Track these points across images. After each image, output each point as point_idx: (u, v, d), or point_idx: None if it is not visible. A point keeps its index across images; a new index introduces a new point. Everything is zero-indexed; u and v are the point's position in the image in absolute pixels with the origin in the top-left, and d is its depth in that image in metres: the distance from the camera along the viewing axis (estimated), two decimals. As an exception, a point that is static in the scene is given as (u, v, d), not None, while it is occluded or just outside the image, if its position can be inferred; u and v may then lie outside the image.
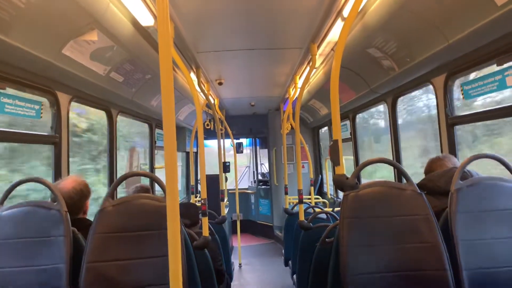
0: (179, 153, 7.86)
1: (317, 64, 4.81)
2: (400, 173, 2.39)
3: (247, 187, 10.96)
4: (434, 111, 3.38)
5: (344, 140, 5.99)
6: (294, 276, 4.34)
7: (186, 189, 8.26)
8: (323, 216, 4.17)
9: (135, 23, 2.99)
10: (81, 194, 2.46)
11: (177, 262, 1.25)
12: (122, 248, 2.00)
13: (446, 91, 3.16)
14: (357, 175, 2.19)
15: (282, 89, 6.54)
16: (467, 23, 2.26)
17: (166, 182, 1.29)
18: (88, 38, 2.57)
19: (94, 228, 2.02)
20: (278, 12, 3.16)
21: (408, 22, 2.65)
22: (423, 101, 4.44)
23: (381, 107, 5.03)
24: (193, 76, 4.76)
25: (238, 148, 9.51)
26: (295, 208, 5.45)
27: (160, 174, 5.60)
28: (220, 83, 5.58)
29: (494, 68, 2.59)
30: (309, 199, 6.23)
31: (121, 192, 4.67)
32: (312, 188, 6.32)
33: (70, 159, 3.20)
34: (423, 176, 2.59)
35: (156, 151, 5.75)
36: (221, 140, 5.20)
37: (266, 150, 10.31)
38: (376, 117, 6.06)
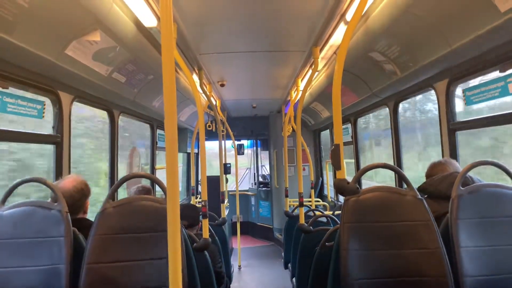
0: (180, 154, 7.86)
1: (319, 67, 4.81)
2: (400, 178, 2.38)
3: (247, 189, 10.96)
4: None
5: (345, 144, 5.98)
6: (294, 279, 4.33)
7: (187, 190, 8.25)
8: (323, 219, 4.17)
9: (138, 24, 2.99)
10: (82, 193, 2.47)
11: (177, 264, 1.25)
12: (122, 250, 2.00)
13: (448, 97, 3.16)
14: (358, 180, 2.19)
15: (284, 92, 6.55)
16: (470, 29, 2.26)
17: (167, 184, 1.29)
18: (91, 39, 2.57)
19: (95, 229, 2.02)
20: (281, 15, 3.16)
21: (411, 27, 2.65)
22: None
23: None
24: (195, 77, 4.77)
25: (239, 150, 9.51)
26: (296, 210, 5.44)
27: (161, 175, 5.60)
28: (222, 85, 5.59)
29: (497, 74, 2.59)
30: (310, 201, 6.22)
31: (120, 191, 4.67)
32: (313, 190, 6.32)
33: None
34: None
35: (157, 152, 5.75)
36: (222, 142, 5.19)
37: (267, 152, 10.31)
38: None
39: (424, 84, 3.43)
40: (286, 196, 5.83)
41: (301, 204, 3.93)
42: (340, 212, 2.22)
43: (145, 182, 4.62)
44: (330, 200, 7.61)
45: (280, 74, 5.32)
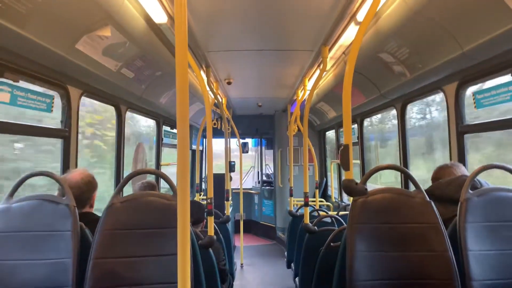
0: None
1: (328, 67, 4.80)
2: (407, 180, 2.37)
3: (251, 187, 10.96)
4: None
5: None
6: (297, 279, 4.33)
7: (191, 187, 8.27)
8: (327, 219, 4.16)
9: (148, 20, 3.00)
10: (90, 185, 2.49)
11: (186, 261, 1.25)
12: (129, 245, 2.01)
13: (458, 99, 3.14)
14: (366, 181, 2.19)
15: (290, 91, 6.54)
16: (483, 32, 2.25)
17: (177, 181, 1.29)
18: (101, 34, 2.58)
19: (102, 224, 2.03)
20: (290, 14, 3.15)
21: (422, 28, 2.63)
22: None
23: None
24: (203, 74, 4.77)
25: (244, 148, 9.52)
26: (300, 210, 5.44)
27: (166, 171, 5.61)
28: (229, 83, 5.59)
29: (508, 78, 2.57)
30: (314, 201, 6.21)
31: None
32: (317, 191, 6.31)
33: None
34: None
35: (162, 148, 5.76)
36: (228, 140, 5.20)
37: (271, 151, 10.31)
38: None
39: (433, 86, 3.41)
40: (291, 195, 5.83)
41: (306, 204, 3.93)
42: (344, 212, 2.22)
43: (149, 178, 4.63)
44: (334, 200, 7.60)
45: (287, 73, 5.31)
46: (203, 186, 8.77)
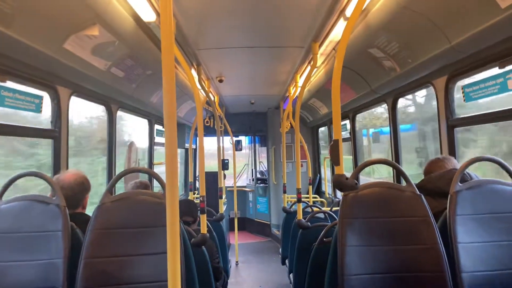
0: (178, 149, 7.84)
1: (318, 63, 4.80)
2: (399, 174, 2.39)
3: (245, 185, 10.96)
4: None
5: (343, 140, 5.98)
6: (291, 275, 4.34)
7: (185, 186, 8.26)
8: (321, 215, 4.17)
9: (137, 19, 2.98)
10: (82, 186, 2.48)
11: (176, 259, 1.25)
12: (120, 244, 2.00)
13: (447, 93, 3.16)
14: (356, 176, 2.19)
15: (282, 88, 6.54)
16: (470, 25, 2.26)
17: (166, 179, 1.29)
18: (89, 33, 2.56)
19: (93, 223, 2.02)
20: (280, 10, 3.15)
21: (410, 23, 2.64)
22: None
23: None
24: (193, 73, 4.75)
25: (237, 146, 9.51)
26: (293, 206, 5.45)
27: (160, 170, 5.60)
28: (220, 81, 5.57)
29: (497, 70, 2.59)
30: (307, 198, 6.23)
31: (120, 187, 4.67)
32: (310, 187, 6.33)
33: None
34: None
35: (155, 147, 5.75)
36: (221, 138, 5.19)
37: (265, 149, 10.31)
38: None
39: (423, 81, 3.43)
40: (284, 192, 5.84)
41: (299, 200, 3.93)
42: (337, 208, 2.22)
43: (142, 177, 4.62)
44: (327, 196, 7.62)
45: (278, 70, 5.31)
46: (197, 185, 8.75)
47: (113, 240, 2.01)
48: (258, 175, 10.64)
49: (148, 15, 3.02)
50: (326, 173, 7.83)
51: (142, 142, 5.69)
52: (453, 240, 2.01)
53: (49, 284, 1.96)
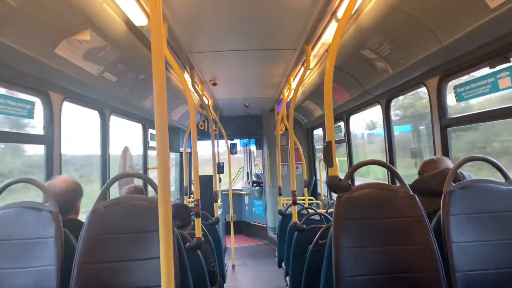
0: (173, 154, 7.83)
1: (311, 66, 4.81)
2: (393, 175, 2.39)
3: (241, 188, 10.94)
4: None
5: (338, 142, 6.00)
6: (288, 277, 4.33)
7: (180, 190, 8.23)
8: (317, 217, 4.17)
9: (129, 23, 2.97)
10: (74, 192, 2.46)
11: (169, 264, 1.24)
12: (114, 250, 1.99)
13: (440, 93, 3.18)
14: (350, 177, 2.19)
15: (277, 90, 6.54)
16: (460, 26, 2.27)
17: (158, 183, 1.28)
18: (81, 38, 2.55)
19: (86, 229, 2.01)
20: (272, 12, 3.15)
21: (402, 24, 2.65)
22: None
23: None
24: (187, 76, 4.74)
25: (232, 149, 9.50)
26: (289, 209, 5.45)
27: (154, 175, 5.57)
28: (214, 84, 5.57)
29: (487, 70, 2.60)
30: (303, 200, 6.22)
31: (114, 193, 4.64)
32: (306, 189, 6.33)
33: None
34: None
35: (149, 152, 5.73)
36: (215, 141, 5.18)
37: (260, 151, 10.30)
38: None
39: (416, 82, 3.44)
40: (280, 194, 5.83)
41: (294, 202, 3.93)
42: (333, 210, 2.22)
43: (137, 182, 4.60)
44: (323, 198, 7.62)
45: (272, 73, 5.32)
46: (192, 189, 8.73)
47: (107, 245, 1.99)
48: (254, 178, 10.63)
49: (140, 19, 3.01)
50: (321, 174, 7.83)
51: (136, 147, 5.68)
52: (447, 240, 2.01)
53: None
